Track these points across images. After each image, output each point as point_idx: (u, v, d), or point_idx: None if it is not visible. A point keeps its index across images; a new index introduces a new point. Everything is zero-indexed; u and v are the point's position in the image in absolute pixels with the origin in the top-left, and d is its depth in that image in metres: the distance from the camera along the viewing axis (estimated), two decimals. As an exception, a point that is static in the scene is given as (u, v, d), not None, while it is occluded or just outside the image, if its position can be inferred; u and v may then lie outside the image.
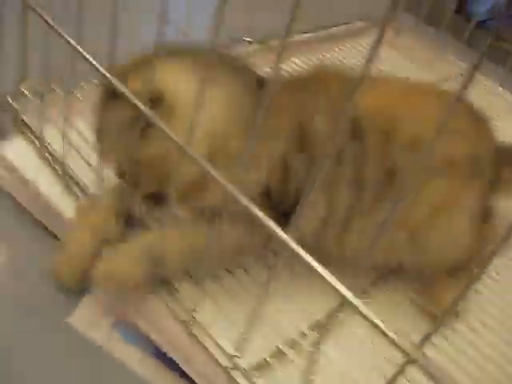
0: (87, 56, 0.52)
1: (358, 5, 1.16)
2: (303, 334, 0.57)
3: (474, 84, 0.30)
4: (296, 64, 1.03)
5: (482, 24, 1.16)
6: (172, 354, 0.56)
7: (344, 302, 0.39)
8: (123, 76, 0.48)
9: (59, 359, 0.57)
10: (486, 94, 1.06)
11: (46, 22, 0.56)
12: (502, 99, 1.10)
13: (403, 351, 0.36)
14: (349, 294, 0.38)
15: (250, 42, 1.01)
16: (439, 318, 0.36)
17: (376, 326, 0.37)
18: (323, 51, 1.10)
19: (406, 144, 0.53)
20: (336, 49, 1.12)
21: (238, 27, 0.98)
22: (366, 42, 1.17)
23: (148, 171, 0.53)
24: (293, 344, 0.56)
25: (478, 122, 0.61)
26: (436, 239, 0.57)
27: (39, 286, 0.62)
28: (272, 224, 0.41)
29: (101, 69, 0.49)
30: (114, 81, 0.47)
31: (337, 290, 0.38)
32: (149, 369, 0.57)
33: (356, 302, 0.38)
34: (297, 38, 1.09)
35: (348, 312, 0.39)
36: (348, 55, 1.11)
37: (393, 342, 0.37)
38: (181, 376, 0.56)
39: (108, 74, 0.48)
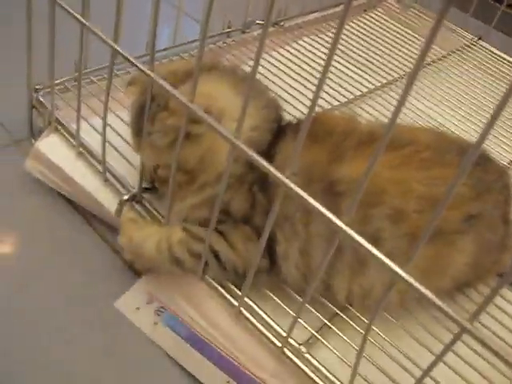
0: (125, 54, 0.54)
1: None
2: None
3: None
4: (306, 42, 1.05)
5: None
6: (215, 337, 0.59)
7: (397, 279, 0.41)
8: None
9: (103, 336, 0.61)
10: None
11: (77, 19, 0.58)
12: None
13: (458, 322, 0.38)
14: (401, 271, 0.40)
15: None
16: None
17: (430, 299, 0.39)
18: (330, 30, 1.12)
19: (388, 215, 0.54)
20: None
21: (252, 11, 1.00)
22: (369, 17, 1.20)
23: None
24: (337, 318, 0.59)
25: None
26: None
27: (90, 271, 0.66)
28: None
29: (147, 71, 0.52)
30: (165, 84, 0.50)
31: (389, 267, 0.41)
32: (187, 356, 0.59)
33: (410, 278, 0.40)
34: (304, 18, 1.12)
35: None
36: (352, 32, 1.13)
37: (447, 314, 0.39)
38: (215, 364, 0.58)
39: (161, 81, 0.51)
